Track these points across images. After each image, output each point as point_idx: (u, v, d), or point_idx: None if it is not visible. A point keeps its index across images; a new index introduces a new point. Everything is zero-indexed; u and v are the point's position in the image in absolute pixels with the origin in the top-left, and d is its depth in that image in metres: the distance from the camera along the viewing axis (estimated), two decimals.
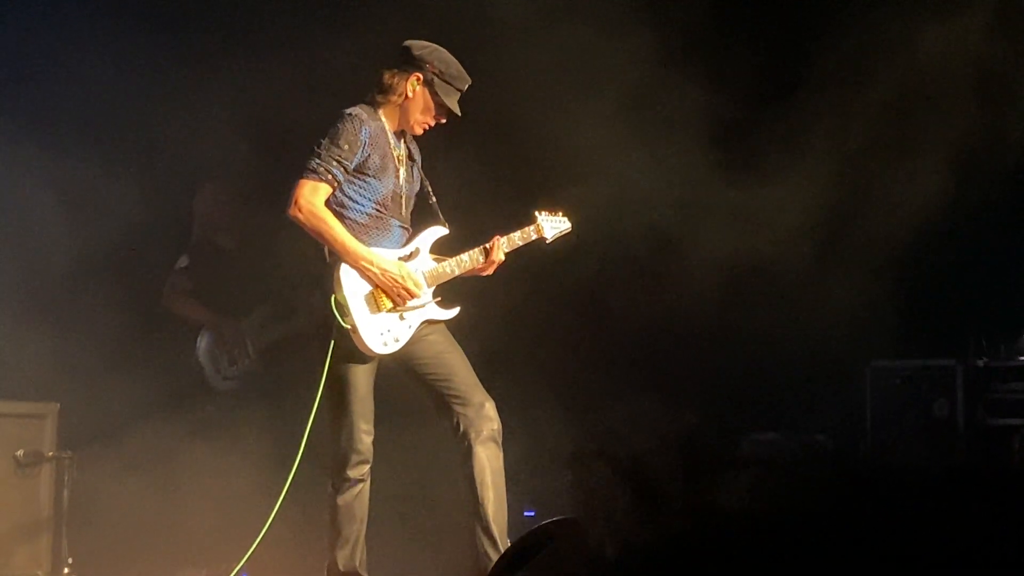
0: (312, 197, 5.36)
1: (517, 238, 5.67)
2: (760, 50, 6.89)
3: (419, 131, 5.58)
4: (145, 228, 7.67)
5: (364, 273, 5.37)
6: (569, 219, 5.82)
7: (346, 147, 5.38)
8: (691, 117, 6.76)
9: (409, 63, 5.49)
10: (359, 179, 5.43)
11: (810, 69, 6.71)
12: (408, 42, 5.53)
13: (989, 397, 6.49)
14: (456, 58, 5.55)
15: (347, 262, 5.37)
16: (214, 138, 7.67)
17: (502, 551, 5.29)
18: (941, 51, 6.45)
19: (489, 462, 5.46)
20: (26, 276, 7.64)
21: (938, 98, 6.55)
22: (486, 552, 5.39)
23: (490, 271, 5.64)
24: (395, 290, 5.40)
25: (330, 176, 5.37)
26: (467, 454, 5.46)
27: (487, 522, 5.42)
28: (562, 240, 5.83)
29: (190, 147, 7.67)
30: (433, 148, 5.80)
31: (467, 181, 6.62)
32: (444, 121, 5.57)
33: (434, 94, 5.49)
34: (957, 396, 6.52)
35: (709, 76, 6.80)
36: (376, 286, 5.38)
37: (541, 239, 5.73)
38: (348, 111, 5.44)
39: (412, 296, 5.42)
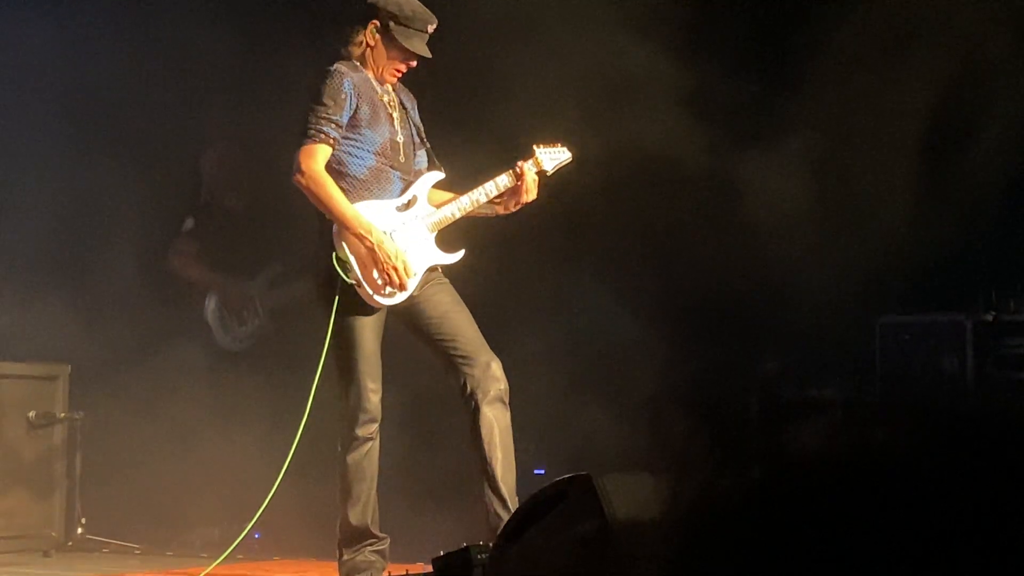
0: (311, 161, 5.34)
1: (504, 181, 5.54)
2: None
3: (391, 79, 5.50)
4: (156, 190, 7.67)
5: (361, 243, 5.35)
6: (569, 150, 5.73)
7: (331, 103, 5.35)
8: (701, 59, 6.72)
9: (363, 12, 5.46)
10: (354, 133, 5.41)
11: (813, 23, 6.67)
12: None
13: (999, 352, 6.48)
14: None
15: (346, 229, 5.36)
16: (220, 99, 7.67)
17: (512, 510, 5.30)
18: None
19: (496, 421, 5.46)
20: (37, 239, 7.65)
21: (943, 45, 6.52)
22: (496, 511, 5.40)
23: (517, 203, 5.55)
24: (385, 268, 5.38)
25: (323, 135, 5.35)
26: (474, 414, 5.46)
27: (495, 481, 5.42)
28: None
29: (196, 108, 7.66)
30: (422, 92, 5.75)
31: (459, 124, 6.57)
32: (415, 64, 5.51)
33: (392, 40, 5.43)
34: (967, 351, 6.51)
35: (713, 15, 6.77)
36: (368, 255, 5.35)
37: (541, 173, 5.66)
38: (329, 68, 5.41)
39: (398, 282, 5.39)
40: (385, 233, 5.40)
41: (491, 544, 4.76)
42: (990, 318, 6.51)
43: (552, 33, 6.79)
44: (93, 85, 7.57)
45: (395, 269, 5.37)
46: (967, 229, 6.69)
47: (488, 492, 5.43)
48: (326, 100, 5.35)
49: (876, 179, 6.61)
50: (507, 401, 5.49)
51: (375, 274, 5.37)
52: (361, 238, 5.36)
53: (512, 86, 6.72)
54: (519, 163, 5.57)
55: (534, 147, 5.64)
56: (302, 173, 5.33)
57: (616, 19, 6.73)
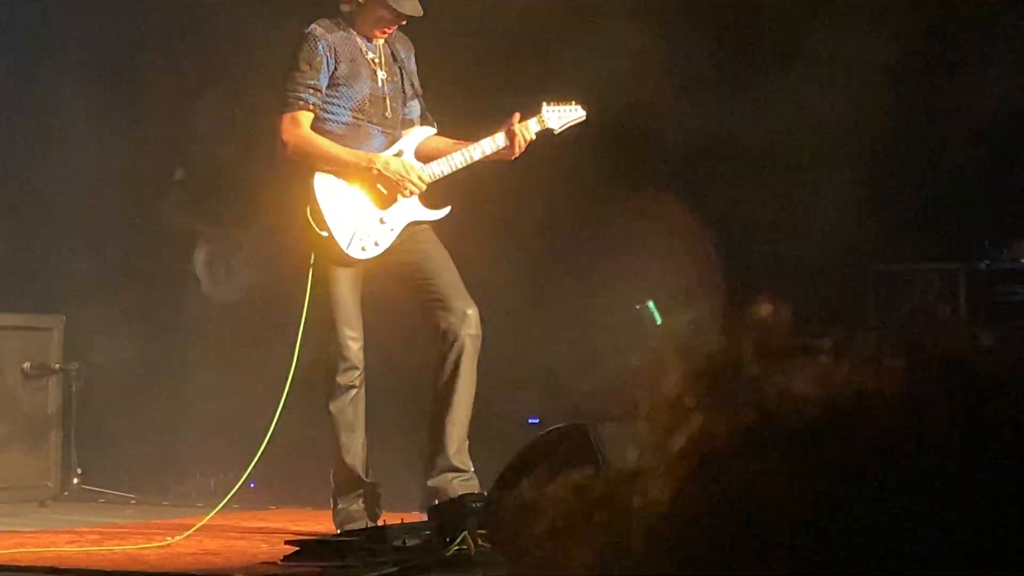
0: (293, 128, 5.34)
1: (501, 140, 5.47)
2: None
3: (380, 36, 5.47)
4: (148, 140, 7.65)
5: (367, 176, 5.34)
6: (582, 107, 5.64)
7: (306, 68, 5.35)
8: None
9: None
10: (331, 91, 5.41)
11: None
12: None
13: (992, 300, 6.49)
14: None
15: (349, 172, 5.36)
16: (209, 49, 7.62)
17: (454, 465, 5.34)
18: None
19: (463, 374, 5.44)
20: (31, 189, 7.64)
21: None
22: (432, 451, 5.45)
23: (512, 155, 5.49)
24: (402, 184, 5.38)
25: (302, 102, 5.35)
26: (443, 359, 5.45)
27: (444, 433, 5.42)
28: (587, 137, 5.67)
29: (185, 56, 7.63)
30: (424, 46, 5.72)
31: (460, 78, 6.54)
32: (404, 23, 5.48)
33: (381, 1, 5.38)
34: (960, 299, 6.51)
35: None
36: (380, 185, 5.34)
37: (547, 131, 5.60)
38: (305, 31, 5.42)
39: (420, 187, 5.39)
40: (384, 156, 5.40)
41: (485, 493, 4.79)
42: (984, 266, 6.51)
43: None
44: (82, 31, 7.53)
45: (411, 181, 5.37)
46: (961, 177, 6.69)
47: (432, 435, 5.46)
48: (302, 66, 5.36)
49: (868, 126, 6.59)
50: (478, 348, 5.48)
51: (348, 228, 5.35)
52: (365, 172, 5.35)
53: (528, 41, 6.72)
54: (513, 121, 5.50)
55: (542, 103, 5.58)
56: (285, 144, 5.35)
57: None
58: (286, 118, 5.36)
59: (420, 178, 5.41)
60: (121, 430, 7.21)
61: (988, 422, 1.97)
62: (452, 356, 5.42)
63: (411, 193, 5.40)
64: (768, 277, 6.93)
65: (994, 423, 1.97)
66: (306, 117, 5.35)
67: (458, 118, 5.78)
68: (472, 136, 5.55)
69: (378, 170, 5.37)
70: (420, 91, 5.63)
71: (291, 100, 5.35)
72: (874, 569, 1.93)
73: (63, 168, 7.71)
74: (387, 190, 5.39)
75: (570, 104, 5.61)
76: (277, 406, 5.40)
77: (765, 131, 6.61)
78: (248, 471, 5.52)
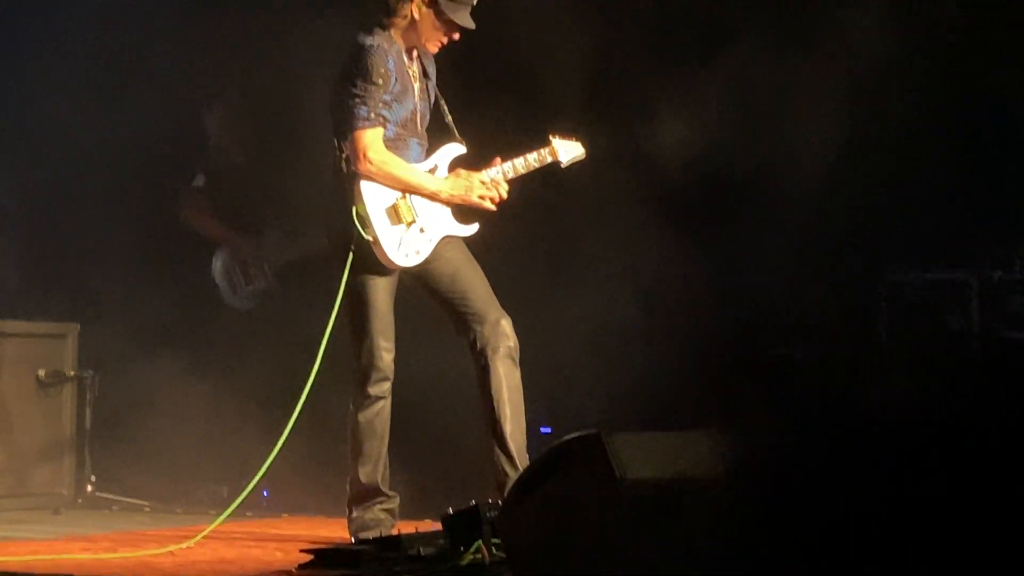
0: (376, 146, 5.36)
1: (533, 159, 5.64)
2: None
3: (434, 48, 5.54)
4: (162, 147, 7.67)
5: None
6: (583, 146, 5.79)
7: (380, 82, 5.36)
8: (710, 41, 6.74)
9: None
10: (386, 107, 5.43)
11: None
12: None
13: (1005, 310, 6.49)
14: None
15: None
16: (227, 54, 7.65)
17: (519, 468, 5.34)
18: None
19: (506, 379, 5.49)
20: (46, 197, 7.67)
21: None
22: (503, 469, 5.44)
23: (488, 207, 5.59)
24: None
25: (382, 119, 5.37)
26: (483, 371, 5.49)
27: (504, 439, 5.46)
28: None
29: (203, 63, 7.65)
30: (446, 68, 5.76)
31: (480, 102, 6.59)
32: (457, 37, 5.53)
33: (439, 13, 5.44)
34: (973, 309, 6.52)
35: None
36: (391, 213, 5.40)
37: (556, 163, 5.70)
38: (368, 42, 5.39)
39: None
40: (445, 178, 5.49)
41: (500, 501, 4.79)
42: (996, 276, 6.51)
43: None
44: (101, 39, 7.56)
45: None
46: (974, 186, 6.69)
47: (496, 450, 5.47)
48: (376, 79, 5.35)
49: (881, 136, 6.60)
50: (516, 359, 5.53)
51: (394, 234, 5.39)
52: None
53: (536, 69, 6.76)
54: (543, 150, 5.60)
55: (551, 136, 5.66)
56: (370, 162, 5.35)
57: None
58: (369, 133, 5.36)
59: (494, 181, 5.51)
60: (134, 438, 7.23)
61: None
62: (492, 369, 5.45)
63: (500, 199, 5.49)
64: (778, 287, 6.96)
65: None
66: (381, 133, 5.39)
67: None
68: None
69: (460, 196, 5.46)
70: (447, 110, 5.66)
71: (372, 115, 5.36)
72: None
73: (78, 176, 7.74)
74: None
75: (573, 140, 5.74)
76: (291, 414, 5.41)
77: (775, 139, 6.63)
78: (257, 477, 5.52)
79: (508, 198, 5.59)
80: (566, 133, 5.75)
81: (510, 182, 5.60)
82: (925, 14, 6.51)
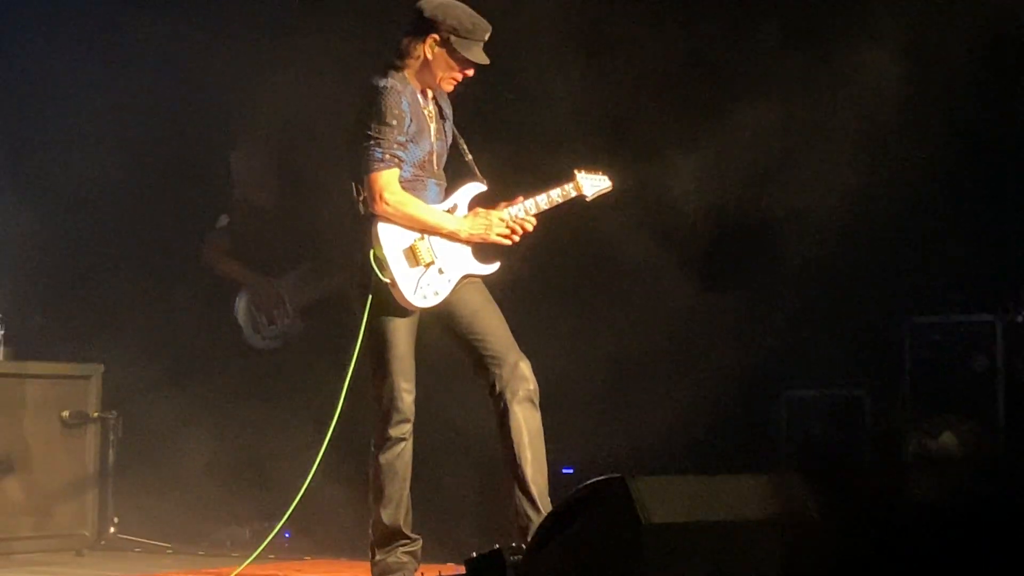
0: (392, 187, 5.35)
1: (556, 195, 5.64)
2: None
3: (449, 87, 5.54)
4: (186, 188, 7.71)
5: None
6: (610, 178, 5.77)
7: (395, 123, 5.34)
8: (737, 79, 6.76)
9: (422, 26, 5.44)
10: (402, 148, 5.44)
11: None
12: (419, 3, 5.46)
13: None
14: (483, 14, 5.51)
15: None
16: (250, 98, 7.70)
17: (542, 512, 5.30)
18: None
19: (526, 422, 5.45)
20: (68, 240, 7.70)
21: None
22: (525, 513, 5.40)
23: (512, 240, 5.57)
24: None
25: (397, 159, 5.36)
26: (503, 414, 5.46)
27: (525, 482, 5.42)
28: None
29: (227, 107, 7.69)
30: (464, 105, 5.78)
31: (502, 139, 6.62)
32: (472, 73, 5.54)
33: (452, 51, 5.43)
34: (997, 352, 6.50)
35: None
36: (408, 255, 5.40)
37: (581, 197, 5.69)
38: (382, 84, 5.39)
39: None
40: (464, 217, 5.48)
41: (523, 545, 4.77)
42: (1021, 318, 6.49)
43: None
44: (125, 83, 7.61)
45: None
46: (997, 229, 6.68)
47: (518, 493, 5.43)
48: (390, 120, 5.34)
49: (906, 180, 6.60)
50: (536, 401, 5.49)
51: (412, 275, 5.39)
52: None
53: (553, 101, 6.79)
54: (567, 184, 5.60)
55: (575, 171, 5.66)
56: (387, 203, 5.33)
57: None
58: (385, 175, 5.34)
59: (519, 217, 5.50)
60: (157, 479, 7.23)
61: None
62: (511, 413, 5.42)
63: (520, 234, 5.49)
64: (802, 329, 6.95)
65: None
66: (396, 174, 5.38)
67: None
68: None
69: (480, 235, 5.47)
70: (467, 149, 5.66)
71: (387, 157, 5.34)
72: None
73: (101, 217, 7.78)
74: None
75: (599, 174, 5.72)
76: (313, 455, 5.40)
77: (801, 181, 6.63)
78: (283, 520, 5.52)
79: (532, 233, 5.58)
80: (591, 166, 5.73)
81: (535, 218, 5.59)
82: (939, 59, 6.51)
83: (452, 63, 5.46)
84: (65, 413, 7.08)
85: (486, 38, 5.48)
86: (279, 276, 7.59)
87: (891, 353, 6.81)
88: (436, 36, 5.43)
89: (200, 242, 7.67)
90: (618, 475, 4.18)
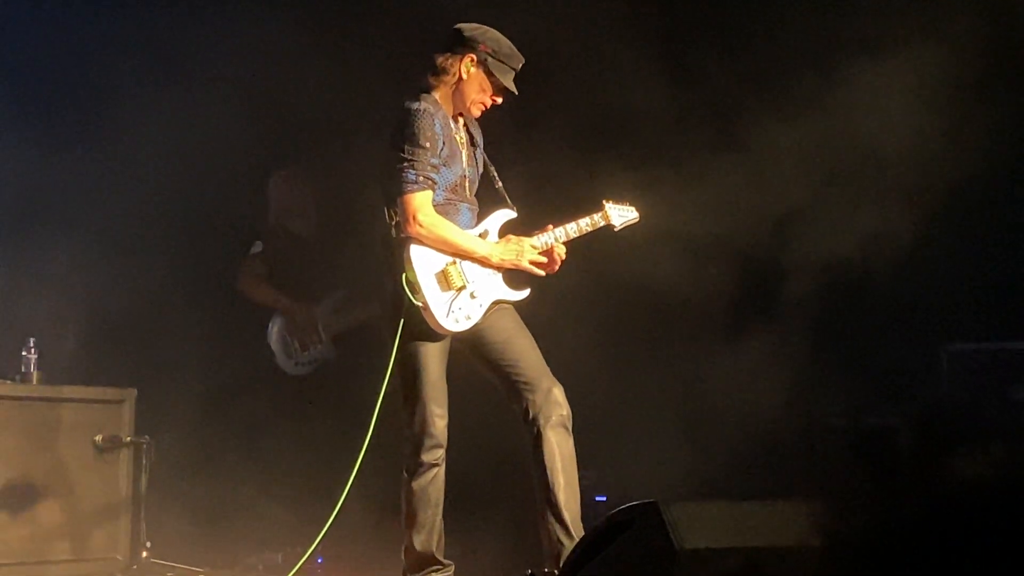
0: (426, 209, 5.36)
1: (585, 224, 5.64)
2: None
3: (477, 112, 5.56)
4: (221, 214, 7.74)
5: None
6: (637, 210, 5.80)
7: (428, 145, 5.36)
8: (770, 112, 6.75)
9: (461, 44, 5.48)
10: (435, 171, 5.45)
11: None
12: (459, 24, 5.52)
13: None
14: (517, 41, 5.54)
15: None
16: (289, 125, 7.73)
17: (575, 537, 5.29)
18: None
19: (559, 448, 5.44)
20: (103, 264, 7.73)
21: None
22: (558, 539, 5.38)
23: (552, 268, 5.60)
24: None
25: (431, 181, 5.37)
26: (536, 440, 5.45)
27: (558, 508, 5.40)
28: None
29: (265, 134, 7.73)
30: (498, 132, 5.79)
31: (533, 167, 6.62)
32: (500, 101, 5.55)
33: (489, 74, 5.47)
34: None
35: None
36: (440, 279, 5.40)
37: (609, 226, 5.70)
38: (415, 106, 5.41)
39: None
40: (496, 243, 5.50)
41: (555, 571, 4.75)
42: None
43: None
44: (165, 113, 7.65)
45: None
46: None
47: (551, 519, 5.41)
48: (424, 142, 5.36)
49: (944, 205, 6.57)
50: (569, 427, 5.48)
51: (444, 299, 5.39)
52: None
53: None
54: (596, 214, 5.63)
55: (604, 201, 5.68)
56: (420, 224, 5.34)
57: None
58: (419, 196, 5.36)
59: (533, 248, 5.52)
60: (190, 503, 7.24)
61: None
62: (544, 438, 5.40)
63: (547, 265, 5.51)
64: (838, 357, 6.91)
65: None
66: (430, 196, 5.39)
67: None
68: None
69: (510, 260, 5.48)
70: (496, 176, 5.67)
71: (421, 179, 5.36)
72: None
73: (135, 241, 7.81)
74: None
75: (626, 205, 5.76)
76: (347, 481, 5.39)
77: (837, 208, 6.61)
78: (314, 545, 5.50)
79: (565, 261, 5.59)
80: (619, 198, 5.75)
81: (565, 244, 5.60)
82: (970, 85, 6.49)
83: (486, 86, 5.48)
84: (98, 437, 7.10)
85: (519, 68, 5.53)
86: (314, 302, 7.60)
87: (928, 381, 6.77)
88: (474, 55, 5.46)
89: (235, 268, 7.69)
90: (652, 500, 4.16)
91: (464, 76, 5.47)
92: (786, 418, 7.01)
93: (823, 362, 6.97)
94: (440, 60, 5.49)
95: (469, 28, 5.50)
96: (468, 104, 5.51)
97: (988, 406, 6.55)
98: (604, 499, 6.90)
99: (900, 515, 2.09)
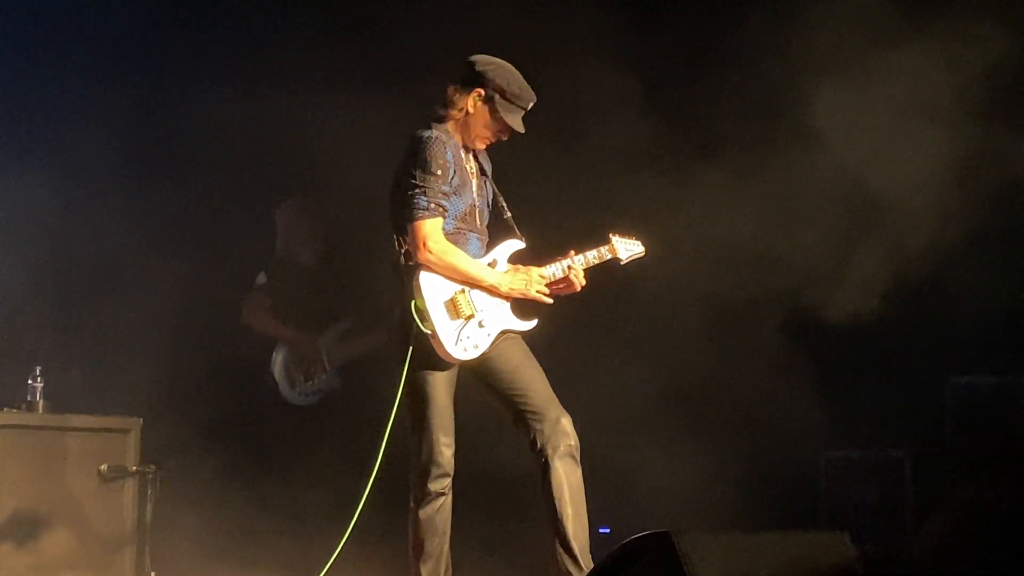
0: (436, 236, 5.36)
1: (592, 256, 5.66)
2: None
3: (481, 146, 5.57)
4: (227, 244, 7.75)
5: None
6: (643, 244, 5.83)
7: (439, 172, 5.37)
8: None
9: (471, 79, 5.48)
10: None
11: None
12: (473, 57, 5.52)
13: None
14: (526, 71, 5.55)
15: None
16: (290, 156, 7.75)
17: (584, 568, 5.28)
18: None
19: (567, 478, 5.44)
20: (110, 291, 7.74)
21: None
22: (567, 570, 5.38)
23: (572, 290, 5.63)
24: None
25: (441, 208, 5.38)
26: (544, 470, 5.44)
27: (567, 539, 5.40)
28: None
29: (272, 164, 7.75)
30: (505, 163, 5.81)
31: (539, 198, 6.65)
32: (506, 138, 5.57)
33: (494, 111, 5.47)
34: None
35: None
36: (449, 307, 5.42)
37: (615, 260, 5.72)
38: (427, 134, 5.43)
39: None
40: (505, 272, 5.50)
41: None
42: None
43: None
44: (168, 139, 7.67)
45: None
46: None
47: (559, 550, 5.40)
48: (436, 170, 5.36)
49: (950, 239, 6.59)
50: (577, 457, 5.48)
51: (453, 327, 5.39)
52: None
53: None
54: (603, 247, 5.65)
55: (611, 235, 5.70)
56: (430, 251, 5.34)
57: None
58: (429, 223, 5.35)
59: (542, 278, 5.52)
60: (195, 534, 7.22)
61: None
62: (552, 469, 5.40)
63: (569, 291, 5.53)
64: (843, 388, 6.93)
65: None
66: (440, 223, 5.39)
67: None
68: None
69: (520, 290, 5.48)
70: (505, 207, 5.69)
71: (432, 205, 5.36)
72: None
73: (140, 271, 7.82)
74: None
75: (632, 239, 5.78)
76: (351, 509, 5.39)
77: (844, 238, 6.64)
78: (324, 572, 5.49)
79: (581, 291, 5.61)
80: (626, 231, 5.77)
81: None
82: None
83: (490, 123, 5.49)
84: (103, 467, 7.08)
85: (529, 107, 5.52)
86: (319, 332, 7.61)
87: (933, 414, 6.78)
88: (482, 91, 5.47)
89: (239, 300, 7.69)
90: (665, 530, 4.17)
91: (471, 110, 5.49)
92: (792, 450, 7.03)
93: (829, 394, 6.99)
94: (449, 92, 5.51)
95: (482, 62, 5.50)
96: (473, 137, 5.52)
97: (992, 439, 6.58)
98: (608, 531, 6.89)
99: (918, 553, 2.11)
